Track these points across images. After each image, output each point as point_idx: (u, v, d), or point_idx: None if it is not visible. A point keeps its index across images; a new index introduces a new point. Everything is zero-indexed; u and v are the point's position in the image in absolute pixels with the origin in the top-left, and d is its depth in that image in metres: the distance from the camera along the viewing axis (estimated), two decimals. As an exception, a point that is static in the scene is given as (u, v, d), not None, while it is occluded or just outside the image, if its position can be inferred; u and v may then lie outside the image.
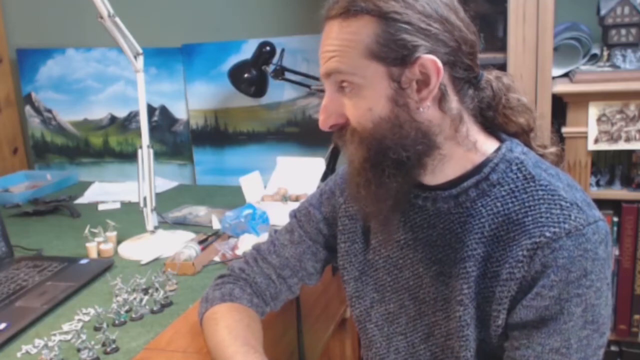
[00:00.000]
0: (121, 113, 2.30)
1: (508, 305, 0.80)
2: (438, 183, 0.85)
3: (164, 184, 2.16)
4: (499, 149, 0.85)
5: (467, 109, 0.84)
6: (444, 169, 0.84)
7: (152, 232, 1.51)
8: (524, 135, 0.90)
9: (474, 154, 0.84)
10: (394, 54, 0.77)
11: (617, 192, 1.52)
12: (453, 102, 0.81)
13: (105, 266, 1.39)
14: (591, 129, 1.46)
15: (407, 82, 0.78)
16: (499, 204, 0.82)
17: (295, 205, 1.17)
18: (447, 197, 0.85)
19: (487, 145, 0.86)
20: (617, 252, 1.54)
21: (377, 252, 0.96)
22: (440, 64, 0.77)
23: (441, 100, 0.80)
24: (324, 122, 0.84)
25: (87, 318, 1.15)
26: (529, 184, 0.82)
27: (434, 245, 0.87)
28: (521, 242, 0.79)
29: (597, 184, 1.54)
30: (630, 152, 1.51)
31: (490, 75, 0.87)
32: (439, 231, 0.87)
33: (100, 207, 1.93)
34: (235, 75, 1.96)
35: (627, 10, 1.47)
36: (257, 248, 1.10)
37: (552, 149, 0.93)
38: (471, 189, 0.83)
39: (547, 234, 0.77)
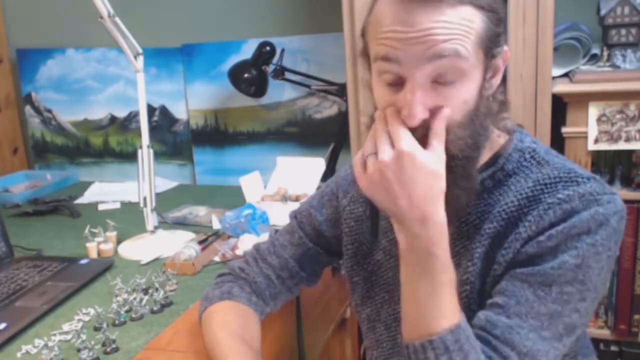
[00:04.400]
0: (121, 113, 2.31)
1: (507, 265, 0.80)
2: None
3: (164, 184, 2.16)
4: (510, 140, 0.86)
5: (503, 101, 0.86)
6: None
7: (152, 232, 1.51)
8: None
9: (492, 148, 0.85)
10: (494, 43, 0.77)
11: (617, 192, 1.51)
12: (500, 94, 0.83)
13: (105, 266, 1.39)
14: (591, 129, 1.46)
15: (489, 72, 0.79)
16: (514, 189, 0.82)
17: (295, 205, 1.17)
18: None
19: (500, 137, 0.87)
20: (617, 252, 1.54)
21: (387, 252, 0.95)
22: (509, 55, 0.81)
23: (495, 91, 0.82)
24: (420, 114, 0.74)
25: (87, 318, 1.15)
26: (543, 167, 0.82)
27: (451, 239, 0.86)
28: (533, 211, 0.79)
29: (597, 184, 1.53)
30: (630, 152, 1.51)
31: None
32: (455, 225, 0.85)
33: (100, 207, 1.93)
34: (235, 75, 1.96)
35: (627, 10, 1.47)
36: (257, 248, 1.10)
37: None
38: (487, 181, 0.84)
39: (560, 196, 0.77)
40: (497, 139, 0.86)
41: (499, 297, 0.78)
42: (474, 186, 0.80)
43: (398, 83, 0.77)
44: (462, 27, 0.73)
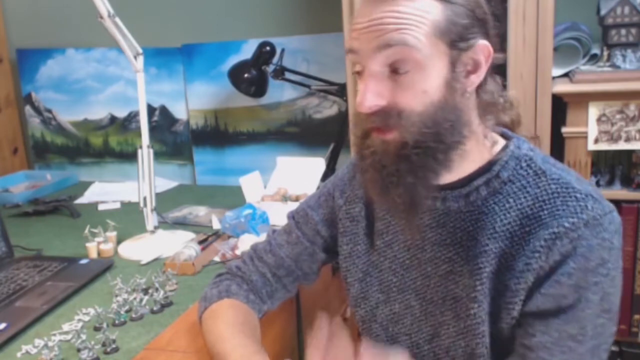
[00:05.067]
0: (121, 113, 2.31)
1: (524, 296, 0.80)
2: (447, 182, 0.85)
3: (164, 184, 2.16)
4: (506, 146, 0.85)
5: (490, 102, 0.84)
6: (460, 166, 0.83)
7: (152, 232, 1.51)
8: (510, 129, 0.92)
9: (487, 152, 0.85)
10: (459, 36, 0.76)
11: (617, 192, 1.51)
12: (485, 93, 0.82)
13: (105, 266, 1.39)
14: (591, 129, 1.46)
15: (461, 66, 0.78)
16: (511, 200, 0.82)
17: (295, 205, 1.17)
18: (456, 196, 0.84)
19: (495, 142, 0.86)
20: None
21: (382, 254, 0.95)
22: (492, 51, 0.78)
23: (478, 90, 0.81)
24: (366, 103, 0.77)
25: (87, 318, 1.15)
26: (540, 179, 0.82)
27: (444, 245, 0.87)
28: (538, 234, 0.79)
29: (597, 184, 1.53)
30: (630, 152, 1.51)
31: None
32: (449, 230, 0.86)
33: (100, 207, 1.93)
34: (235, 75, 1.96)
35: (627, 10, 1.47)
36: (254, 247, 1.10)
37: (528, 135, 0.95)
38: (482, 187, 0.83)
39: (566, 224, 0.77)
40: (486, 144, 0.85)
41: (543, 351, 0.79)
42: (432, 178, 0.79)
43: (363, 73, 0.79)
44: (414, 16, 0.74)
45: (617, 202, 1.53)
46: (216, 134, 2.19)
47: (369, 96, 0.77)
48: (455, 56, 0.77)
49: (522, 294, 0.80)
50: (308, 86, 1.94)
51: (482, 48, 0.78)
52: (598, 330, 0.79)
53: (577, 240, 0.77)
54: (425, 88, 0.76)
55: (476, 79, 0.80)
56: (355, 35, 0.78)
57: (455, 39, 0.76)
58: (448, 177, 0.84)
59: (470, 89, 0.80)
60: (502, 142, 0.87)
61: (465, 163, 0.83)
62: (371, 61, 0.77)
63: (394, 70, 0.76)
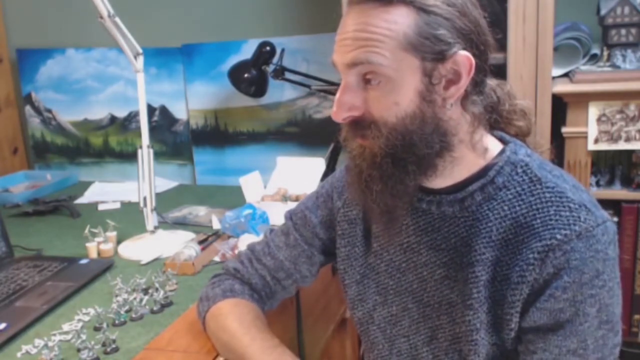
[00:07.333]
0: (121, 113, 2.31)
1: (520, 308, 0.80)
2: (443, 186, 0.85)
3: (164, 184, 2.16)
4: (502, 151, 0.85)
5: (479, 112, 0.83)
6: (452, 172, 0.83)
7: (152, 232, 1.51)
8: (520, 138, 0.91)
9: (482, 158, 0.84)
10: (432, 48, 0.75)
11: (617, 192, 1.52)
12: (473, 103, 0.81)
13: (105, 266, 1.39)
14: (591, 129, 1.46)
15: (438, 78, 0.77)
16: (505, 208, 0.82)
17: (294, 205, 1.17)
18: (452, 201, 0.84)
19: (492, 147, 0.85)
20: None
21: (378, 256, 0.95)
22: (473, 62, 0.77)
23: (464, 100, 0.80)
24: (338, 114, 0.80)
25: (87, 318, 1.15)
26: (535, 186, 0.81)
27: (439, 249, 0.87)
28: (531, 245, 0.78)
29: (597, 184, 1.54)
30: (630, 152, 1.51)
31: (492, 83, 0.88)
32: (443, 235, 0.86)
33: (100, 207, 1.93)
34: (235, 75, 1.96)
35: (627, 10, 1.47)
36: (251, 248, 1.10)
37: (544, 149, 0.94)
38: (476, 193, 0.83)
39: (558, 237, 0.77)
40: (480, 150, 0.84)
41: None
42: (401, 188, 0.80)
43: None
44: (382, 30, 0.74)
45: (617, 202, 1.53)
46: (216, 134, 2.19)
47: (341, 107, 0.79)
48: (430, 68, 0.76)
49: (519, 305, 0.80)
50: (308, 86, 1.94)
51: (462, 59, 0.76)
52: (599, 342, 0.80)
53: (570, 253, 0.76)
54: (397, 100, 0.76)
55: (457, 89, 0.78)
56: (335, 47, 0.80)
57: (428, 51, 0.75)
58: (442, 182, 0.84)
59: (452, 100, 0.78)
60: (499, 147, 0.86)
61: (457, 169, 0.83)
62: (344, 75, 0.79)
63: (367, 81, 0.78)
